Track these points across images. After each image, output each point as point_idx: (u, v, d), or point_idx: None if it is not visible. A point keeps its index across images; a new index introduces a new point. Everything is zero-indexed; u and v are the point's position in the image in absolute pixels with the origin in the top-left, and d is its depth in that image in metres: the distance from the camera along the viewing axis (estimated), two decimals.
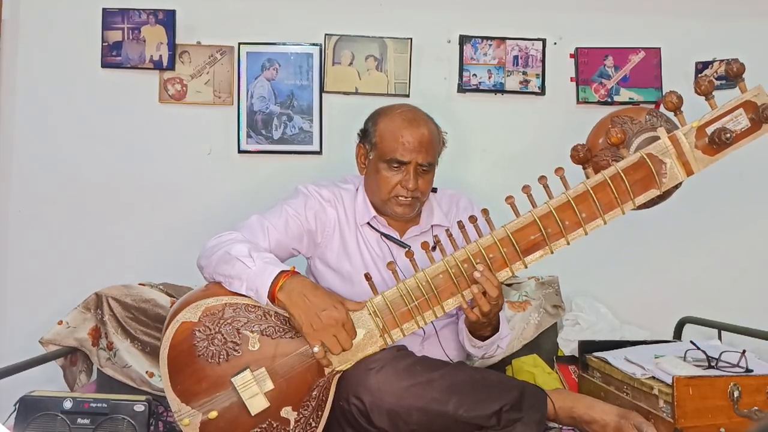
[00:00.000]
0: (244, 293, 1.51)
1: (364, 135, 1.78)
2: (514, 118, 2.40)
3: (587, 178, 1.50)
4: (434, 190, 1.85)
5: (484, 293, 1.48)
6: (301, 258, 1.82)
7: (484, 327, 1.61)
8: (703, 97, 1.45)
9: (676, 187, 1.51)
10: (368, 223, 1.78)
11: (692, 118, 1.47)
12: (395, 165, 1.69)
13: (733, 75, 1.44)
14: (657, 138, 1.48)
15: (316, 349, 1.46)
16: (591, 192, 1.47)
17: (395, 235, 1.78)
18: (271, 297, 1.48)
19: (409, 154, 1.68)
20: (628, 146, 1.52)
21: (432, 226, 1.81)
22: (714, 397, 1.52)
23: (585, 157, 1.52)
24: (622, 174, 1.47)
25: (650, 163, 1.46)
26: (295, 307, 1.47)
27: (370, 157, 1.75)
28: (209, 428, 1.47)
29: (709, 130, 1.45)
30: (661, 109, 1.56)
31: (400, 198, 1.71)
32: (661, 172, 1.47)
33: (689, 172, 1.48)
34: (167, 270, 2.17)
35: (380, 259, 1.76)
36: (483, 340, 1.65)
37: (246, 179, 2.33)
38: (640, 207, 1.51)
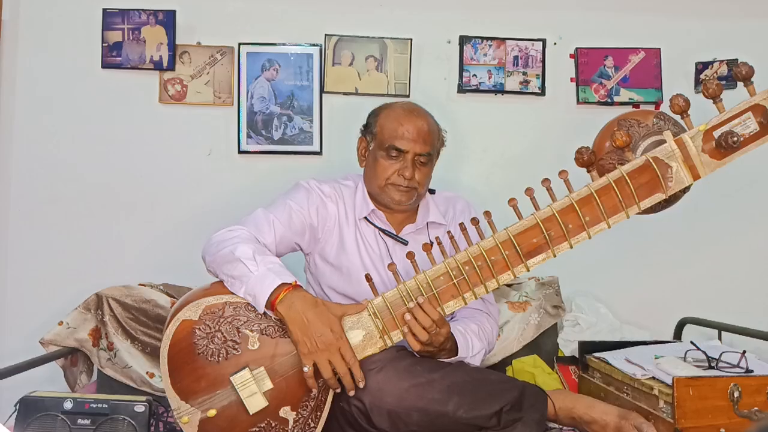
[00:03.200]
0: (241, 295, 1.51)
1: (366, 128, 1.82)
2: (514, 119, 2.40)
3: (592, 181, 1.48)
4: (432, 192, 1.86)
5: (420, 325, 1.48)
6: (299, 258, 1.82)
7: (434, 355, 1.59)
8: (711, 100, 1.42)
9: (684, 191, 1.49)
10: (366, 218, 1.78)
11: (695, 120, 1.45)
12: (393, 153, 1.72)
13: (741, 78, 1.41)
14: (663, 141, 1.46)
15: (306, 369, 1.46)
16: (595, 195, 1.46)
17: (392, 230, 1.79)
18: (270, 307, 1.48)
19: (407, 143, 1.71)
20: (634, 149, 1.50)
21: (428, 223, 1.81)
22: (714, 398, 1.52)
23: (589, 159, 1.50)
24: (627, 177, 1.45)
25: (656, 167, 1.45)
26: (293, 324, 1.47)
27: (370, 147, 1.78)
28: (208, 426, 1.47)
29: (717, 133, 1.43)
30: (664, 110, 1.55)
31: (397, 185, 1.73)
32: (666, 176, 1.45)
33: (696, 177, 1.45)
34: (167, 270, 2.18)
35: (378, 256, 1.77)
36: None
37: (246, 180, 2.33)
38: (645, 211, 1.49)
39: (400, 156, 1.72)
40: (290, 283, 1.51)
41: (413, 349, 1.52)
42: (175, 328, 1.49)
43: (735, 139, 1.40)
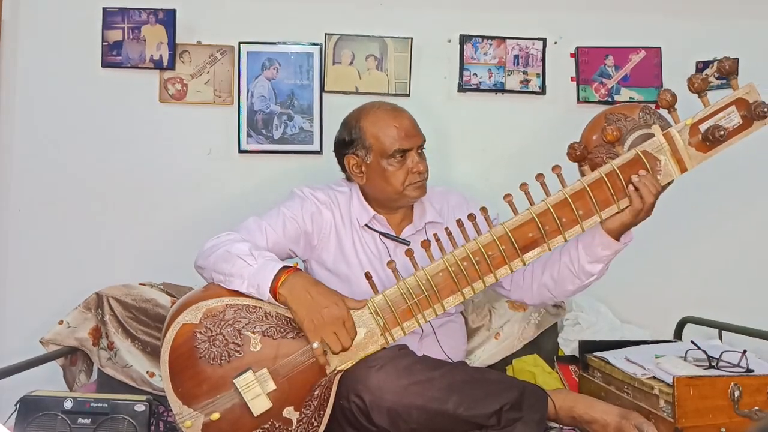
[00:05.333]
0: (244, 291, 1.51)
1: (350, 144, 1.76)
2: (515, 118, 2.39)
3: (582, 175, 1.51)
4: None
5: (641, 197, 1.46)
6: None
7: (626, 229, 1.55)
8: (696, 95, 1.46)
9: (669, 183, 1.52)
10: (366, 224, 1.79)
11: (687, 116, 1.47)
12: (400, 156, 1.71)
13: (725, 72, 1.45)
14: (651, 135, 1.49)
15: (315, 345, 1.46)
16: (588, 189, 1.48)
17: (394, 233, 1.79)
18: (273, 292, 1.48)
19: (409, 140, 1.72)
20: (622, 143, 1.53)
21: (426, 224, 1.82)
22: (714, 397, 1.52)
23: (582, 154, 1.53)
24: (618, 171, 1.48)
25: (645, 161, 1.47)
26: (296, 303, 1.47)
27: (368, 161, 1.75)
28: (211, 430, 1.47)
29: (703, 127, 1.46)
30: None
31: (415, 183, 1.73)
32: (656, 169, 1.48)
33: (683, 169, 1.49)
34: (167, 270, 2.17)
35: (377, 259, 1.77)
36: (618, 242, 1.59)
37: (246, 179, 2.33)
38: None
39: (405, 156, 1.72)
40: (291, 266, 1.52)
41: (634, 206, 1.47)
42: (176, 332, 1.48)
43: (721, 132, 1.43)
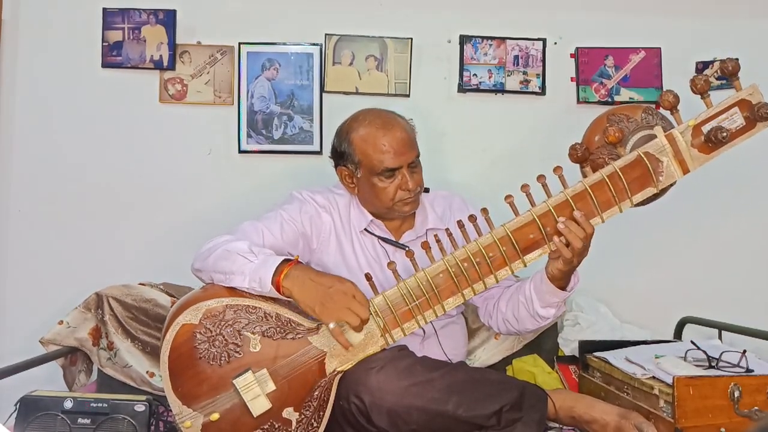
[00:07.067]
0: (245, 286, 1.51)
1: (342, 156, 1.77)
2: (515, 118, 2.39)
3: (584, 176, 1.51)
4: (426, 190, 1.85)
5: (567, 245, 1.48)
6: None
7: (567, 275, 1.59)
8: (699, 96, 1.45)
9: (672, 184, 1.52)
10: (365, 228, 1.79)
11: (689, 117, 1.47)
12: (388, 174, 1.70)
13: (728, 73, 1.45)
14: (653, 136, 1.49)
15: (331, 326, 1.45)
16: (589, 191, 1.48)
17: (392, 238, 1.79)
18: (276, 286, 1.48)
19: (398, 159, 1.69)
20: (624, 144, 1.53)
21: (427, 230, 1.82)
22: (714, 397, 1.52)
23: (583, 156, 1.52)
24: (619, 173, 1.47)
25: (647, 162, 1.47)
26: (302, 292, 1.47)
27: (358, 176, 1.75)
28: (211, 430, 1.47)
29: (705, 128, 1.46)
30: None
31: (404, 200, 1.72)
32: (658, 170, 1.48)
33: (685, 171, 1.48)
34: (167, 270, 2.17)
35: (377, 262, 1.77)
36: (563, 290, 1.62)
37: (246, 179, 2.33)
38: (637, 205, 1.51)
39: (395, 173, 1.71)
40: (291, 259, 1.53)
41: (561, 257, 1.51)
42: (175, 332, 1.49)
43: (724, 134, 1.43)
